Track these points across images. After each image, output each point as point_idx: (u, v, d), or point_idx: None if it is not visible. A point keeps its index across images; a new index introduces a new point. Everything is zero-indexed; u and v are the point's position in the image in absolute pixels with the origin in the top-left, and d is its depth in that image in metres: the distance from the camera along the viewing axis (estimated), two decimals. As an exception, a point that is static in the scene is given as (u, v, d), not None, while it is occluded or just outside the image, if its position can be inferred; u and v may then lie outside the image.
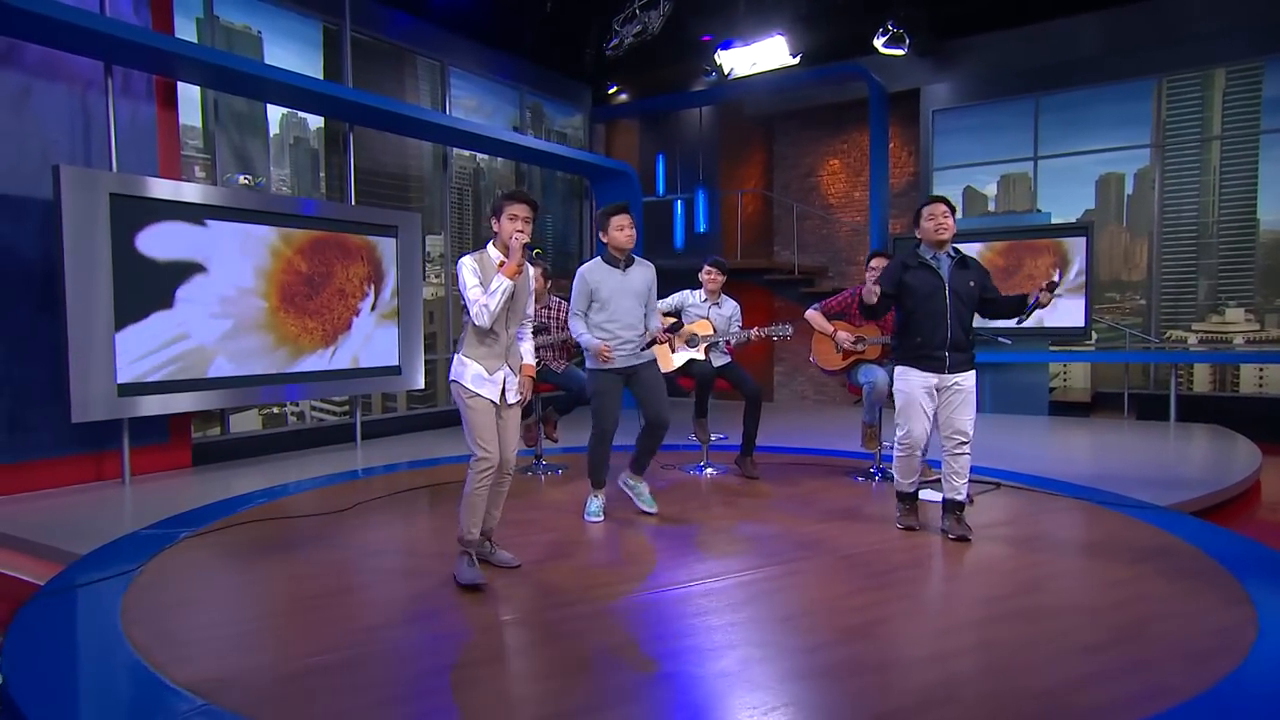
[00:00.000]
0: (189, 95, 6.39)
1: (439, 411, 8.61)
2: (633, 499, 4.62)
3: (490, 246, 3.44)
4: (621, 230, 4.27)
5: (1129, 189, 9.44)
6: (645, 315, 4.38)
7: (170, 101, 6.11)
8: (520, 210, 3.33)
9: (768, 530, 4.21)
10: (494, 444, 3.37)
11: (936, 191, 10.48)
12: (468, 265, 3.35)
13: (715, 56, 9.46)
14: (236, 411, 6.76)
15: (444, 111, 8.64)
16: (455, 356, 3.43)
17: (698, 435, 5.75)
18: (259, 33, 6.88)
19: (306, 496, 5.10)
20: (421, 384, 7.71)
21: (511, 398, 3.44)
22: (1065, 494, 4.85)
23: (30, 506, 5.04)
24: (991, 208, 10.17)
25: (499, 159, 9.38)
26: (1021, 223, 9.35)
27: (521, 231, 3.32)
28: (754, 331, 5.51)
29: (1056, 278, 3.87)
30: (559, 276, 10.48)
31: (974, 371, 3.96)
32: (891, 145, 11.34)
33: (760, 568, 3.56)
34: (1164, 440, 7.33)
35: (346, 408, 7.61)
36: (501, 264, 3.33)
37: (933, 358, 3.92)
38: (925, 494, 4.55)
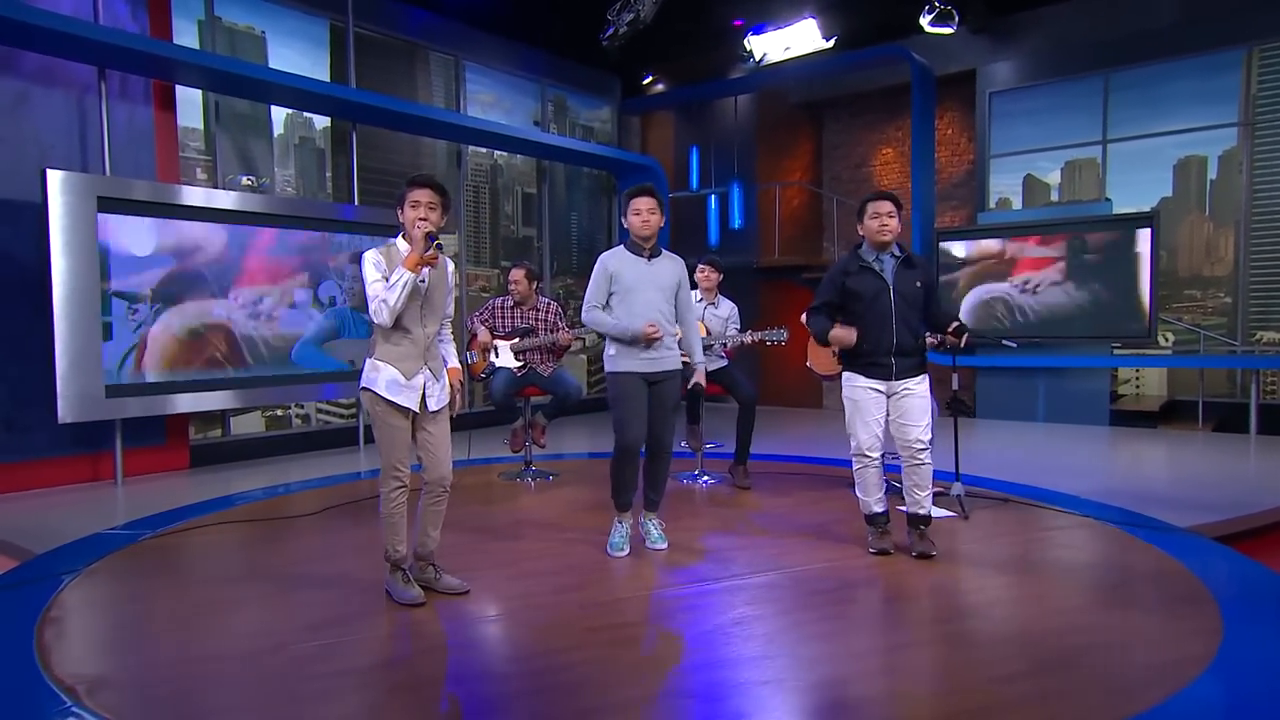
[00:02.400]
0: (190, 97, 6.74)
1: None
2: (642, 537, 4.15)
3: (399, 239, 3.30)
4: (638, 215, 3.88)
5: (1212, 173, 8.91)
6: (675, 316, 3.97)
7: (168, 104, 6.47)
8: (422, 195, 3.18)
9: (730, 544, 4.16)
10: (408, 463, 3.28)
11: (994, 181, 10.13)
12: (370, 259, 3.19)
13: (746, 42, 9.41)
14: (239, 413, 7.09)
15: (458, 108, 8.86)
16: (366, 362, 3.29)
17: (689, 443, 5.73)
18: (262, 33, 7.21)
19: (291, 499, 5.30)
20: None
21: (433, 405, 3.30)
22: (1074, 511, 4.62)
23: (16, 506, 5.39)
24: (1055, 197, 9.75)
25: (519, 155, 9.55)
26: (1078, 213, 8.93)
27: (424, 219, 3.17)
28: (748, 336, 5.48)
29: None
30: (583, 276, 10.63)
31: (925, 375, 3.89)
32: (948, 131, 11.03)
33: (700, 583, 3.53)
34: (1229, 454, 6.87)
35: (353, 410, 7.87)
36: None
37: (879, 364, 3.84)
38: (935, 511, 4.44)
